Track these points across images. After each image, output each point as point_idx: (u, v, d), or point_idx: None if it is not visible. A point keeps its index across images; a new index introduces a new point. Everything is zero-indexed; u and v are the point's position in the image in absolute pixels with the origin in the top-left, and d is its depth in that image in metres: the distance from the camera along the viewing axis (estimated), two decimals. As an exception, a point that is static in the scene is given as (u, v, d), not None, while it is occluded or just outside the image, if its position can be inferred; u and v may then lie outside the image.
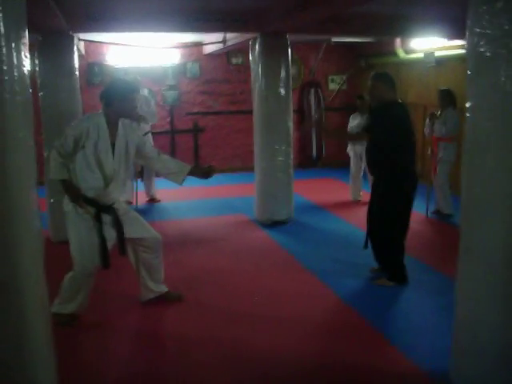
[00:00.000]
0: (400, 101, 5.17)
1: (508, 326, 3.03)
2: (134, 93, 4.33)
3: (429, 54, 9.02)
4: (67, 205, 4.11)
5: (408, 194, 5.01)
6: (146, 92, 9.47)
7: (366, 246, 5.25)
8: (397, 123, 4.92)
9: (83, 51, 9.60)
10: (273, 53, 7.09)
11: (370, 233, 5.21)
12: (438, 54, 8.87)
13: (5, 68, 2.17)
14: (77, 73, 6.64)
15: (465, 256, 3.28)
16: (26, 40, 2.42)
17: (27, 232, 2.38)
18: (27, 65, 2.41)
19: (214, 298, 4.99)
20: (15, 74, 2.23)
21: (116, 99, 4.12)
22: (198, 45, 9.99)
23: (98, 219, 4.07)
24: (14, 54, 2.24)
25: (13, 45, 2.22)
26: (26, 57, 2.38)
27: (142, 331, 4.43)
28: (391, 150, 4.87)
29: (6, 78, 2.18)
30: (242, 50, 10.47)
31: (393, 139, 4.85)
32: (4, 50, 2.15)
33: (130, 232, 4.31)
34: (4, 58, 2.16)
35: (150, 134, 8.66)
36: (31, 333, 2.47)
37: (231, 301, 4.91)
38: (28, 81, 2.42)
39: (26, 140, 2.38)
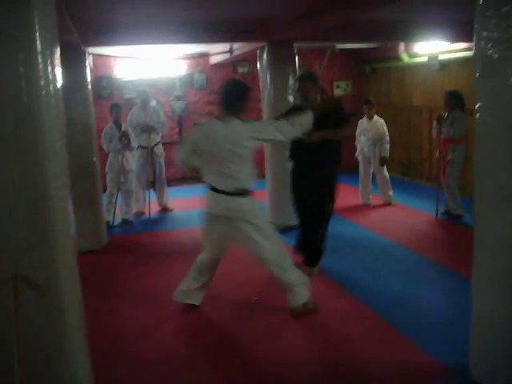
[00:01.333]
0: None
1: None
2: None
3: (433, 58, 9.14)
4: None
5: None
6: (154, 103, 9.63)
7: (297, 249, 5.75)
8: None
9: (91, 65, 9.77)
10: (280, 61, 7.22)
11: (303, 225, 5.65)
12: (441, 57, 8.99)
13: (42, 83, 2.29)
14: (89, 86, 6.79)
15: (479, 252, 3.38)
16: (58, 56, 2.55)
17: (65, 239, 2.50)
18: (60, 79, 2.53)
19: (229, 306, 5.07)
20: (51, 88, 2.36)
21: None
22: (205, 55, 10.12)
23: None
24: (49, 70, 2.36)
25: (48, 61, 2.34)
26: (58, 72, 2.51)
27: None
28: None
29: (43, 92, 2.30)
30: (247, 59, 10.61)
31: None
32: (41, 66, 2.28)
33: None
34: (41, 74, 2.28)
35: (160, 145, 8.80)
36: (70, 333, 2.60)
37: (244, 308, 5.00)
38: (61, 94, 2.55)
39: (61, 151, 2.50)
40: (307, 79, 5.53)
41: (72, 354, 2.59)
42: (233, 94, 4.36)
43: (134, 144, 8.05)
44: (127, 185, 8.16)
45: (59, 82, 2.51)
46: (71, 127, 6.54)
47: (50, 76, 2.37)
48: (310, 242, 5.61)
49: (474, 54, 3.31)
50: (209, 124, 4.56)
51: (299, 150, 5.41)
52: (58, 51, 2.55)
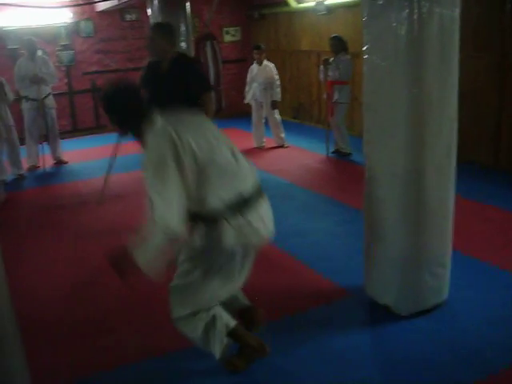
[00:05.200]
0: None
1: (407, 238, 3.53)
2: None
3: (319, 3, 9.38)
4: None
5: None
6: (41, 53, 9.30)
7: None
8: None
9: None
10: (171, 7, 7.19)
11: None
12: (328, 2, 9.25)
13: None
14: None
15: (369, 182, 3.71)
16: None
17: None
18: None
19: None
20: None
21: None
22: (92, 2, 9.83)
23: None
24: None
25: None
26: None
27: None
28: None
29: None
30: (135, 6, 10.42)
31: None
32: None
33: None
34: None
35: (51, 96, 8.59)
36: None
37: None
38: None
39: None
40: (158, 31, 4.93)
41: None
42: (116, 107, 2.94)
43: (10, 96, 7.72)
44: (10, 140, 7.88)
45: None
46: None
47: None
48: None
49: (361, -1, 3.57)
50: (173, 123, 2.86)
51: None
52: None
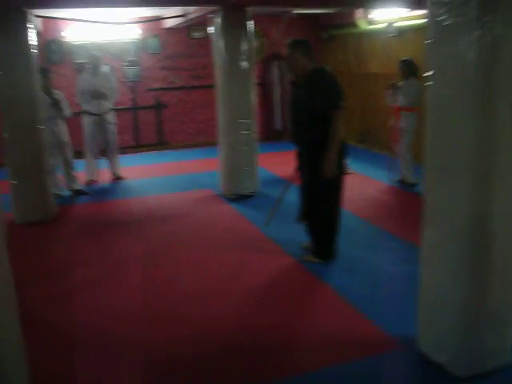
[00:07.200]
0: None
1: (468, 292, 3.10)
2: None
3: (390, 25, 9.04)
4: None
5: (340, 162, 4.80)
6: (106, 69, 9.34)
7: (299, 220, 5.19)
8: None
9: (40, 28, 9.37)
10: (234, 26, 7.01)
11: (304, 207, 5.11)
12: (399, 24, 8.90)
13: None
14: (34, 51, 6.46)
15: (428, 224, 3.33)
16: None
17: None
18: None
19: (179, 272, 5.03)
20: None
21: None
22: (159, 19, 9.80)
23: None
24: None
25: None
26: None
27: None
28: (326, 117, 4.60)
29: None
30: (203, 23, 10.32)
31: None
32: None
33: None
34: None
35: (111, 111, 8.55)
36: None
37: (197, 275, 4.94)
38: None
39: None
40: (298, 47, 4.74)
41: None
42: None
43: (66, 111, 7.68)
44: (64, 156, 7.78)
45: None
46: (14, 93, 6.29)
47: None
48: (309, 215, 5.06)
49: (427, 20, 3.22)
50: None
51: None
52: None
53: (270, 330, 3.92)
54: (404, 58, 7.57)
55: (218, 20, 7.04)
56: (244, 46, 7.06)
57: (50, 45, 10.20)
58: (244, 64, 7.09)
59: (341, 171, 4.87)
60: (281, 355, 3.57)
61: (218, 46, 7.14)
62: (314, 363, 3.43)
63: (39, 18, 8.22)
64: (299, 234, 5.39)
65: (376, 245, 5.55)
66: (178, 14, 8.56)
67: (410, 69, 7.35)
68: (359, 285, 4.58)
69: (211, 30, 7.41)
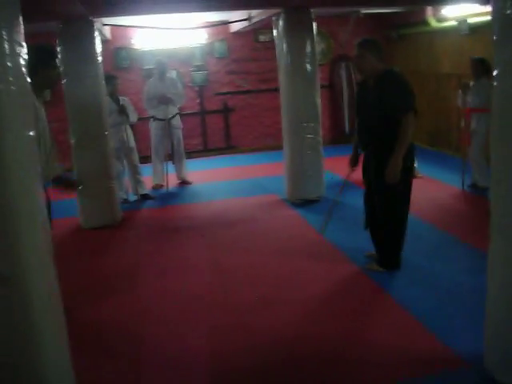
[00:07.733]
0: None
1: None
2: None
3: (462, 22, 8.68)
4: None
5: (409, 168, 4.64)
6: (173, 74, 9.43)
7: (366, 227, 5.00)
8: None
9: (109, 36, 9.58)
10: (297, 28, 6.92)
11: (370, 214, 4.93)
12: (471, 21, 8.52)
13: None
14: (99, 58, 6.58)
15: (495, 233, 3.10)
16: (20, 28, 2.32)
17: (29, 225, 2.29)
18: (23, 53, 2.31)
19: (239, 279, 4.97)
20: (8, 63, 2.14)
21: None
22: (224, 23, 9.82)
23: None
24: (6, 43, 2.14)
25: (3, 33, 2.12)
26: (20, 45, 2.28)
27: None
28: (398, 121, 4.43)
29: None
30: (269, 26, 10.27)
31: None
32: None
33: None
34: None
35: (178, 116, 8.62)
36: (38, 335, 2.35)
37: (256, 282, 4.87)
38: (24, 70, 2.32)
39: (23, 130, 2.29)
40: (368, 47, 4.58)
41: (42, 363, 2.35)
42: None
43: (132, 117, 7.75)
44: (131, 161, 7.89)
45: (22, 57, 2.27)
46: (80, 100, 6.41)
47: (7, 50, 2.14)
48: (375, 222, 4.90)
49: (492, 15, 3.00)
50: None
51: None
52: (19, 22, 2.28)
53: (330, 341, 3.78)
54: (476, 57, 7.24)
55: (281, 22, 6.95)
56: (308, 48, 6.95)
57: (119, 52, 10.41)
58: (308, 66, 6.97)
59: (409, 175, 4.66)
60: (341, 368, 3.44)
61: (282, 48, 7.06)
62: (373, 379, 3.27)
63: (107, 26, 8.39)
64: (364, 241, 5.20)
65: (443, 253, 5.29)
66: (243, 18, 8.54)
67: (481, 68, 7.02)
68: (423, 296, 4.34)
69: (274, 32, 7.33)
